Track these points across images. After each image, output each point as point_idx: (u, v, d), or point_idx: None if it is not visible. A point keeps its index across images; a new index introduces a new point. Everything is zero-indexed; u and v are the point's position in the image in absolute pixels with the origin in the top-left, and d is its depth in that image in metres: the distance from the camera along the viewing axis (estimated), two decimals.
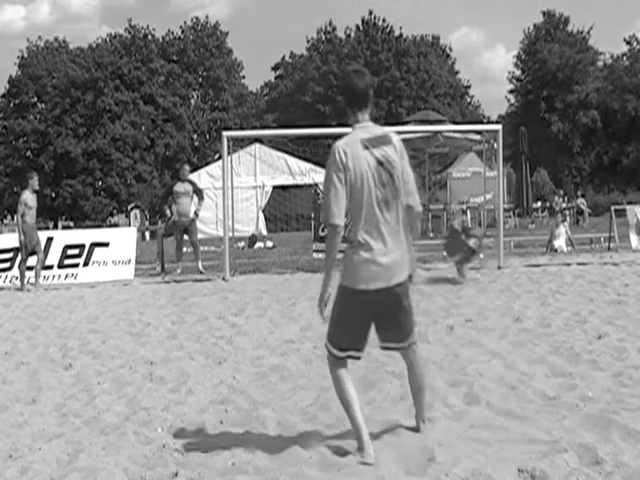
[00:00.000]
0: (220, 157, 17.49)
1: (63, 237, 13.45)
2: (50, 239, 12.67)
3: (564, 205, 27.36)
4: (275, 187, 25.69)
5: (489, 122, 51.07)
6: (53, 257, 12.71)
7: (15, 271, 12.52)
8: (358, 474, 3.38)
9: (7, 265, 12.75)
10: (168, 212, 13.10)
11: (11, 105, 54.02)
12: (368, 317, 3.63)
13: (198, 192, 13.24)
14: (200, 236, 13.75)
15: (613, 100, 51.26)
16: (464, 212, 19.50)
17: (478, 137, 18.48)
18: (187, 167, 13.81)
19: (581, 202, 27.72)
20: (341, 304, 3.62)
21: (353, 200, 3.55)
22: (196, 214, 13.12)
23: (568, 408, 4.18)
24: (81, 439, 4.11)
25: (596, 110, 51.64)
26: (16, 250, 12.47)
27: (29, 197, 11.86)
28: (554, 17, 55.78)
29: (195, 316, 8.37)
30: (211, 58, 56.94)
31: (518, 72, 56.54)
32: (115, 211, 52.90)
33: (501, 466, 3.34)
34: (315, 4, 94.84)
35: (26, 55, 54.57)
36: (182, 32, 57.84)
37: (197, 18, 58.66)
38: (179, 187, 13.02)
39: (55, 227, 49.16)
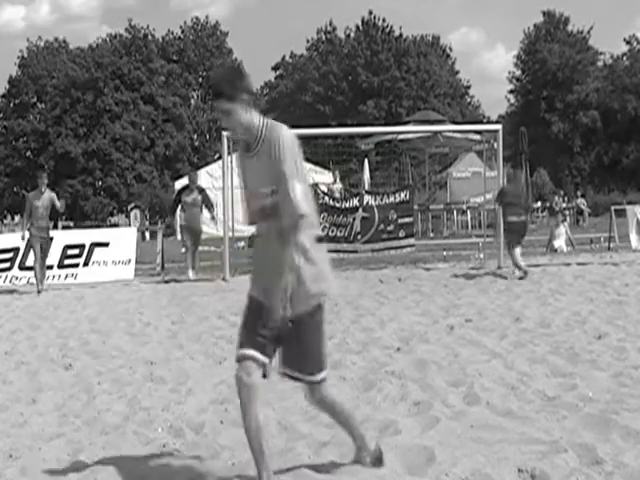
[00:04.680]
0: (220, 157, 17.47)
1: (63, 237, 13.46)
2: (50, 239, 12.67)
3: (564, 205, 27.34)
4: None
5: (489, 122, 50.92)
6: (53, 257, 12.71)
7: (15, 271, 12.54)
8: (358, 474, 3.37)
9: (7, 265, 12.76)
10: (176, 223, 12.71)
11: (11, 105, 54.05)
12: None
13: (208, 204, 12.54)
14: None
15: (613, 100, 51.24)
16: None
17: (478, 137, 18.49)
18: (196, 174, 13.48)
19: (581, 202, 27.73)
20: None
21: None
22: (213, 218, 12.63)
23: (568, 408, 4.17)
24: (81, 439, 4.10)
25: (596, 110, 51.60)
26: (16, 250, 12.53)
27: (32, 195, 11.50)
28: (554, 17, 55.74)
29: (195, 316, 8.37)
30: (211, 58, 56.91)
31: (518, 72, 56.53)
32: (115, 211, 52.89)
33: (501, 466, 3.33)
34: (315, 4, 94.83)
35: (26, 55, 54.58)
36: (182, 32, 57.87)
37: (197, 18, 58.78)
38: (188, 197, 12.42)
39: (55, 227, 48.97)
